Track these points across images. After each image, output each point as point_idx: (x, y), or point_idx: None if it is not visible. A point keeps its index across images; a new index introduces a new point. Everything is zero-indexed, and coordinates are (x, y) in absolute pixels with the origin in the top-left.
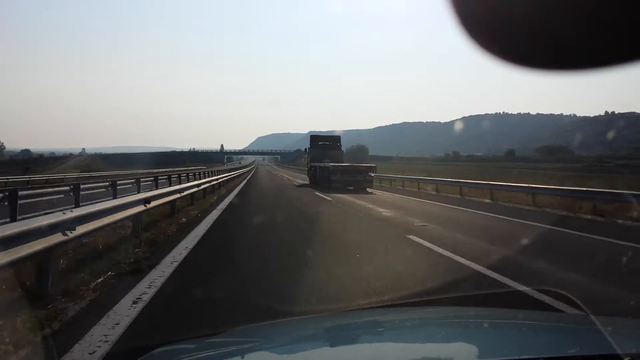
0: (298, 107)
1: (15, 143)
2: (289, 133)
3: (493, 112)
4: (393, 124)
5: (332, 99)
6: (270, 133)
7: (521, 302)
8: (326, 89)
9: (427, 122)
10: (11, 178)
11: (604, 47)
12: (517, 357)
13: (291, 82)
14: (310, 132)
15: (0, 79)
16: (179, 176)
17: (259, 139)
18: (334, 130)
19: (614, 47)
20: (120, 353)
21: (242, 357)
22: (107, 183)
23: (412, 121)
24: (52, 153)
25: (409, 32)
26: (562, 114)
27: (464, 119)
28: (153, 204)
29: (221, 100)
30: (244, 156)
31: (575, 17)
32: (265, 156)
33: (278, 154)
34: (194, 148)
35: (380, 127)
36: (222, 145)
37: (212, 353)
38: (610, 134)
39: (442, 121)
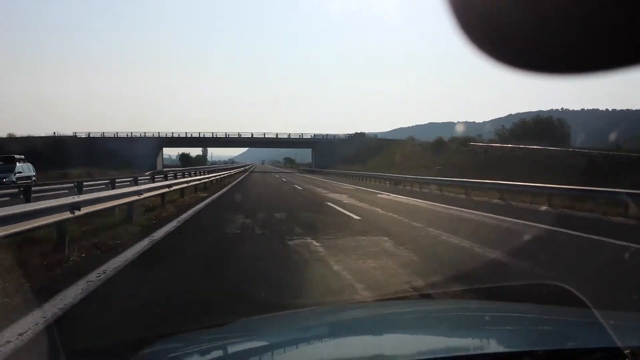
0: (299, 109)
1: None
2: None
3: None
4: (417, 125)
5: (335, 102)
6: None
7: (522, 295)
8: (329, 92)
9: (458, 122)
10: None
11: (609, 50)
12: (517, 350)
13: (292, 82)
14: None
15: None
16: None
17: None
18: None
19: (623, 48)
20: (119, 345)
21: (242, 351)
22: None
23: (440, 121)
24: None
25: (419, 33)
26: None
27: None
28: None
29: (215, 99)
30: (231, 156)
31: (582, 19)
32: (268, 153)
33: (308, 143)
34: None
35: (402, 128)
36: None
37: (210, 346)
38: None
39: (476, 121)
